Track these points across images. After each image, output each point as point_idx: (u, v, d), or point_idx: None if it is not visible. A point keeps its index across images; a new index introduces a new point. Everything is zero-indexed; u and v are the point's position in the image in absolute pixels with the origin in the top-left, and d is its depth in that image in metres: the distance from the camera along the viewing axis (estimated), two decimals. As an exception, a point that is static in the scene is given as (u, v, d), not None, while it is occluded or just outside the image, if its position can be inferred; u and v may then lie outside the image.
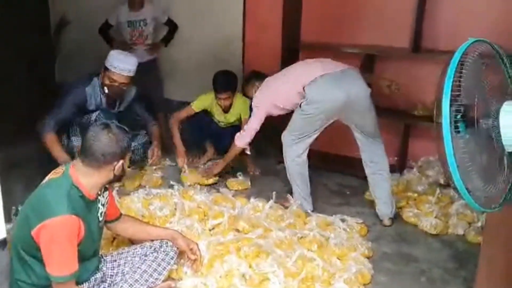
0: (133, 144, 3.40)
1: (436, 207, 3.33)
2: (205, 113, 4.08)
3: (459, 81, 1.52)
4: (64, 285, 2.04)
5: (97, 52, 4.91)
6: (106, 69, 3.36)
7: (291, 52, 4.16)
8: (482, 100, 1.58)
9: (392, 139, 4.05)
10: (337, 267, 2.65)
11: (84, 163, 2.13)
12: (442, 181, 3.73)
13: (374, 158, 3.27)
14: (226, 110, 4.02)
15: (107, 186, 2.30)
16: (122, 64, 3.35)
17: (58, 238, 2.01)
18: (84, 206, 2.13)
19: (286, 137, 3.28)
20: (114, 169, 2.16)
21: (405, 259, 2.92)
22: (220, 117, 4.10)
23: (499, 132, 1.56)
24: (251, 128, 3.42)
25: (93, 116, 3.49)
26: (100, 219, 2.29)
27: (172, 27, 4.67)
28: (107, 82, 3.37)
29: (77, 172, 2.13)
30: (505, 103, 1.56)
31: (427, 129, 3.89)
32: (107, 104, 3.55)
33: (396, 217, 3.33)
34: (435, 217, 3.25)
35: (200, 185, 3.68)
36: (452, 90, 1.49)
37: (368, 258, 2.85)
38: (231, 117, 4.08)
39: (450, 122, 1.50)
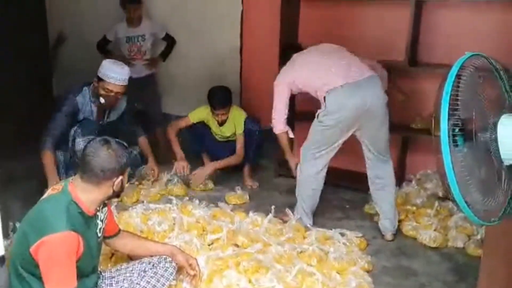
0: None
1: (435, 220, 3.33)
2: (203, 125, 4.10)
3: (457, 95, 1.53)
4: None
5: (94, 67, 4.95)
6: (100, 79, 3.37)
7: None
8: (480, 114, 1.58)
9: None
10: (336, 281, 2.64)
11: (83, 179, 2.12)
12: (440, 194, 3.74)
13: (381, 175, 3.24)
14: (221, 123, 4.03)
15: (106, 201, 2.29)
16: (116, 74, 3.37)
17: (57, 255, 1.99)
18: (83, 222, 2.12)
19: (305, 151, 3.21)
20: (113, 185, 2.16)
21: (405, 273, 2.91)
22: (216, 130, 4.12)
23: (497, 145, 1.56)
24: (276, 109, 3.29)
25: (72, 131, 3.48)
26: (99, 235, 2.27)
27: (170, 42, 4.70)
28: (102, 92, 3.38)
29: (76, 188, 2.12)
30: (503, 116, 1.57)
31: (425, 142, 3.91)
32: (98, 114, 3.55)
33: (397, 231, 3.32)
34: (434, 230, 3.25)
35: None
36: (450, 104, 1.50)
37: (367, 272, 2.83)
38: (227, 131, 4.10)
39: (448, 136, 1.50)
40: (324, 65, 3.12)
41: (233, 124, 4.06)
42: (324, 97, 3.04)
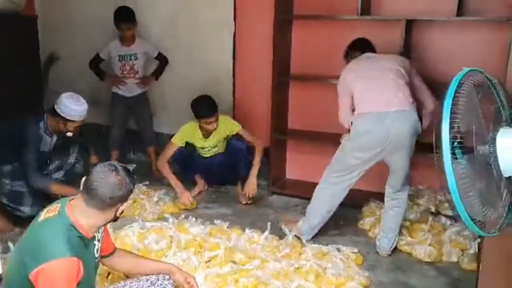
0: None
1: (429, 235, 3.36)
2: (186, 149, 4.06)
3: (456, 109, 1.58)
4: None
5: (86, 87, 4.97)
6: (66, 119, 3.37)
7: (281, 84, 4.24)
8: (478, 128, 1.63)
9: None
10: (335, 297, 2.65)
11: (88, 203, 2.07)
12: (433, 209, 3.80)
13: (395, 197, 3.29)
14: (209, 134, 4.01)
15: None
16: (81, 112, 3.38)
17: (58, 282, 1.95)
18: (82, 245, 2.09)
19: (326, 172, 3.30)
20: (117, 211, 2.14)
21: (402, 288, 2.94)
22: (202, 144, 4.09)
23: (495, 158, 1.61)
24: (341, 110, 3.30)
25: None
26: (97, 255, 2.25)
27: (163, 61, 4.73)
28: (70, 129, 3.42)
29: (76, 211, 2.08)
30: (501, 129, 1.61)
31: (417, 158, 3.95)
32: (59, 146, 3.64)
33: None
34: (429, 245, 3.28)
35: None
36: (450, 119, 1.54)
37: (365, 287, 2.84)
38: (212, 140, 4.07)
39: (450, 149, 1.54)
40: (375, 86, 3.10)
41: (220, 131, 4.04)
42: (351, 122, 3.12)
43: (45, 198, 3.38)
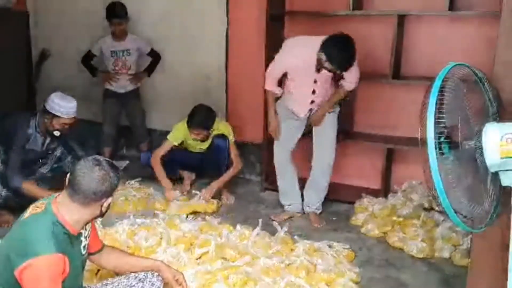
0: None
1: (421, 231, 3.35)
2: (176, 147, 4.03)
3: (442, 103, 1.56)
4: None
5: (78, 84, 4.94)
6: (55, 115, 3.41)
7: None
8: (465, 122, 1.61)
9: (375, 164, 4.10)
10: (325, 293, 2.63)
11: (73, 199, 2.04)
12: (426, 205, 3.78)
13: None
14: (202, 141, 3.98)
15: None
16: (69, 109, 3.43)
17: (42, 278, 1.94)
18: (68, 242, 2.06)
19: None
20: (102, 206, 2.11)
21: (393, 284, 2.92)
22: (194, 145, 4.06)
23: (482, 153, 1.59)
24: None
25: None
26: (83, 252, 2.23)
27: (155, 57, 4.70)
28: (58, 127, 3.45)
29: (62, 207, 2.06)
30: (487, 124, 1.60)
31: (410, 153, 3.96)
32: (49, 145, 3.65)
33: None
34: (421, 240, 3.26)
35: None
36: (435, 113, 1.52)
37: (356, 283, 2.83)
38: (206, 144, 4.05)
39: (435, 144, 1.53)
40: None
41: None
42: None
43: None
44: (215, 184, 3.94)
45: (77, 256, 2.15)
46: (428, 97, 1.58)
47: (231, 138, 4.00)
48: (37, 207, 2.10)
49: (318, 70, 3.32)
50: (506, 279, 1.69)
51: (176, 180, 4.23)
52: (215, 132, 3.96)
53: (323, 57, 3.16)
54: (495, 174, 1.63)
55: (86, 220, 2.14)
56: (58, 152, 3.76)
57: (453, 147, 1.60)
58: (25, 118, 3.53)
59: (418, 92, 1.83)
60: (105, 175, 2.05)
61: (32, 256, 1.93)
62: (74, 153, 3.82)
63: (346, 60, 3.15)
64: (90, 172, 2.03)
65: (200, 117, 3.79)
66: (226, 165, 4.00)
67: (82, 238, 2.20)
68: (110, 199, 2.13)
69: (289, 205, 3.76)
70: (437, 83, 1.53)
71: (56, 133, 3.49)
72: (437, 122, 1.53)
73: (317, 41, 3.22)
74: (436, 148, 1.53)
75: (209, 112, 3.84)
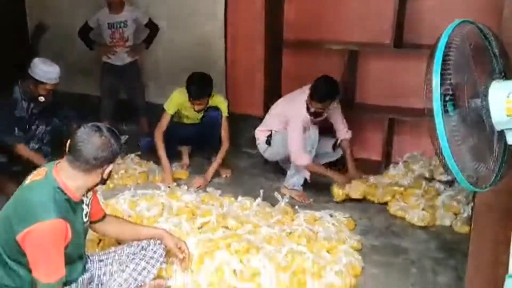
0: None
1: (423, 200, 3.35)
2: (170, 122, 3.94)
3: (448, 61, 1.53)
4: None
5: (75, 57, 4.88)
6: (39, 82, 3.43)
7: (275, 49, 4.17)
8: (471, 80, 1.58)
9: (377, 135, 4.08)
10: (327, 260, 2.64)
11: (73, 165, 2.03)
12: (427, 175, 3.78)
13: None
14: (198, 111, 3.91)
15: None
16: (53, 74, 3.47)
17: (45, 243, 1.95)
18: (70, 208, 2.06)
19: None
20: (103, 173, 2.09)
21: (394, 251, 2.93)
22: (190, 115, 3.98)
23: (488, 111, 1.56)
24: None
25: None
26: (85, 220, 2.23)
27: (153, 29, 4.63)
28: (42, 92, 3.48)
29: (63, 174, 2.05)
30: (494, 82, 1.57)
31: (411, 124, 3.94)
32: (37, 111, 3.64)
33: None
34: (422, 209, 3.27)
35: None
36: (441, 70, 1.49)
37: (357, 250, 2.84)
38: (201, 113, 3.96)
39: (441, 102, 1.50)
40: None
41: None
42: None
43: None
44: (210, 172, 3.87)
45: (79, 223, 2.15)
46: (433, 57, 1.55)
47: (225, 112, 3.92)
48: (39, 174, 2.10)
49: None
50: (509, 244, 1.69)
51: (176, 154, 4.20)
52: (209, 104, 3.89)
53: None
54: (501, 133, 1.61)
55: (87, 187, 2.13)
56: (44, 116, 3.73)
57: (458, 105, 1.57)
58: (6, 84, 3.56)
59: (421, 62, 1.81)
60: (106, 141, 2.03)
61: (33, 222, 1.94)
62: (67, 120, 3.77)
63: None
64: (90, 138, 2.02)
65: (200, 87, 3.72)
66: (219, 139, 3.95)
67: (84, 206, 2.19)
68: (111, 166, 2.11)
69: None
70: (444, 40, 1.50)
71: (41, 99, 3.51)
72: (443, 79, 1.50)
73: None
74: (441, 106, 1.50)
75: (206, 78, 3.76)
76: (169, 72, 4.82)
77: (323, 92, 3.43)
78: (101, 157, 2.03)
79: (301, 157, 3.49)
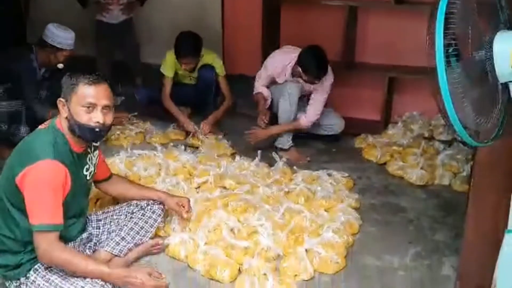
0: None
1: (421, 159, 3.33)
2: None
3: (452, 12, 1.47)
4: (45, 236, 1.94)
5: (69, 18, 4.74)
6: (58, 49, 3.36)
7: (272, 8, 4.06)
8: (475, 32, 1.53)
9: (376, 95, 4.03)
10: (324, 218, 2.64)
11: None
12: (426, 134, 3.76)
13: None
14: (192, 70, 3.86)
15: (96, 144, 2.23)
16: (70, 40, 3.40)
17: (42, 183, 1.94)
18: (71, 159, 2.07)
19: None
20: None
21: (393, 210, 2.93)
22: (186, 74, 3.94)
23: (492, 63, 1.51)
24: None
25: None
26: (88, 178, 2.22)
27: (147, -14, 4.50)
28: (62, 59, 3.40)
29: (65, 125, 2.07)
30: (498, 33, 1.51)
31: (411, 83, 3.89)
32: (47, 76, 3.57)
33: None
34: (421, 168, 3.25)
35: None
36: (445, 19, 1.43)
37: (355, 209, 2.84)
38: (196, 72, 3.92)
39: (443, 53, 1.45)
40: None
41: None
42: None
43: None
44: (211, 118, 3.84)
45: (81, 177, 2.15)
46: (437, 7, 1.49)
47: (220, 71, 3.86)
48: (43, 125, 2.13)
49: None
50: (509, 202, 1.67)
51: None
52: (200, 63, 3.82)
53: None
54: (505, 86, 1.57)
55: None
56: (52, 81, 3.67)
57: (461, 58, 1.52)
58: (24, 53, 3.45)
59: (422, 19, 1.74)
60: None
61: (32, 162, 1.95)
62: None
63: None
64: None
65: (187, 46, 3.65)
66: (214, 97, 3.90)
67: (89, 163, 2.20)
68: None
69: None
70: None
71: (60, 66, 3.42)
72: (446, 29, 1.44)
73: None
74: (444, 55, 1.45)
75: (192, 37, 3.67)
76: (163, 32, 4.70)
77: (315, 70, 3.30)
78: None
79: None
